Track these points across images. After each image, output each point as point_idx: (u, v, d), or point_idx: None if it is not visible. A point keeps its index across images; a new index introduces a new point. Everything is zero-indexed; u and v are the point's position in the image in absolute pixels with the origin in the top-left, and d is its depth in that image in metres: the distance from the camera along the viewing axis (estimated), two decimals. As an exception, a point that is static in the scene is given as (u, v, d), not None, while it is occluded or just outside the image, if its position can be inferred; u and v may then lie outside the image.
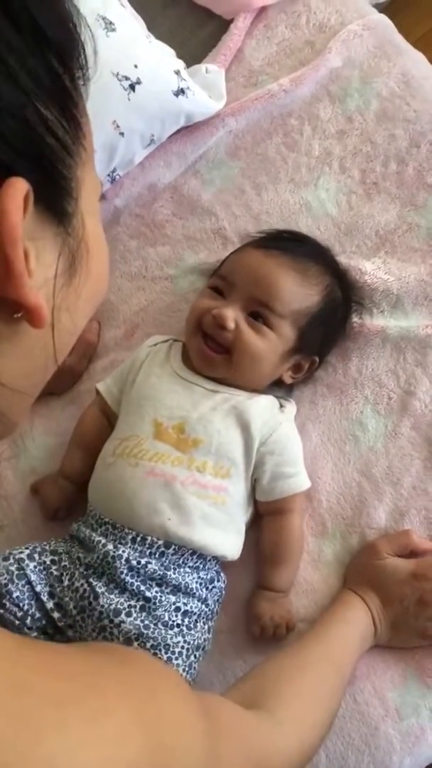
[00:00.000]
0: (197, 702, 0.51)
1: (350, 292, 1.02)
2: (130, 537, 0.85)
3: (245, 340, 0.90)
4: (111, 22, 1.01)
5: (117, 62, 1.01)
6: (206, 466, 0.87)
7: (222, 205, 1.13)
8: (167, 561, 0.85)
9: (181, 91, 1.07)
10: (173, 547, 0.85)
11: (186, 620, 0.84)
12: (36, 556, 0.87)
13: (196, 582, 0.86)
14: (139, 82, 1.02)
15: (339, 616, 0.89)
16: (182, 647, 0.82)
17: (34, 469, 1.03)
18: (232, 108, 1.15)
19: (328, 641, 0.86)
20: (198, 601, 0.86)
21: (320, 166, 1.13)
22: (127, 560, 0.83)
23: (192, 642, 0.83)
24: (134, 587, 0.83)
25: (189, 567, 0.86)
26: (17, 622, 0.83)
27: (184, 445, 0.88)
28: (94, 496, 0.91)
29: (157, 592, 0.83)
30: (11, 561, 0.86)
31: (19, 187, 0.34)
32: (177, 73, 1.08)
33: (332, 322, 0.99)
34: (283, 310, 0.91)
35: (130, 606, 0.82)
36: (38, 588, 0.85)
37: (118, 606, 0.82)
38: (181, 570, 0.85)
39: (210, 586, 0.88)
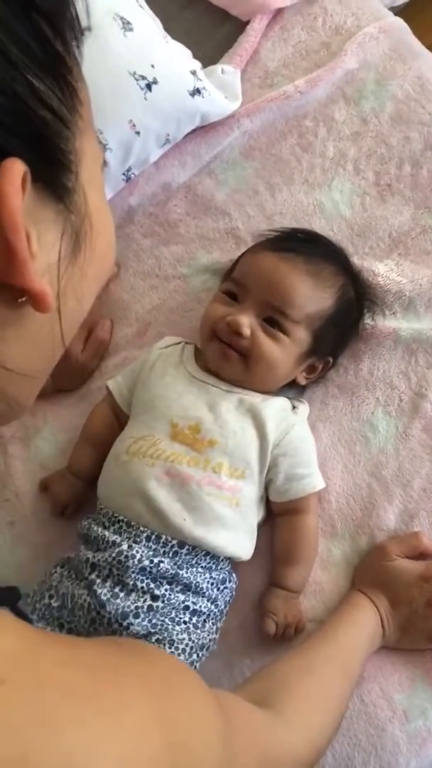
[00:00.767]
0: (213, 698, 0.52)
1: (363, 292, 1.02)
2: (144, 535, 0.85)
3: (261, 347, 0.90)
4: (128, 22, 1.01)
5: (134, 62, 1.01)
6: (222, 466, 0.88)
7: (236, 205, 1.13)
8: (180, 560, 0.85)
9: (197, 92, 1.07)
10: (187, 546, 0.85)
11: (194, 619, 0.84)
12: (38, 606, 0.87)
13: (208, 582, 0.86)
14: (155, 82, 1.02)
15: (347, 617, 0.89)
16: (186, 644, 0.82)
17: (44, 465, 1.03)
18: (247, 109, 1.15)
19: (337, 642, 0.86)
20: (208, 601, 0.86)
21: (334, 167, 1.14)
22: (140, 560, 0.83)
23: (197, 641, 0.84)
24: (144, 584, 0.83)
25: (202, 567, 0.86)
26: None
27: (200, 446, 0.88)
28: (106, 493, 0.91)
29: (166, 590, 0.83)
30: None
31: (16, 170, 0.32)
32: (193, 73, 1.08)
33: (346, 323, 0.99)
34: (297, 316, 0.91)
35: (137, 607, 0.82)
36: (48, 630, 0.85)
37: (125, 609, 0.82)
38: (193, 570, 0.85)
39: (221, 587, 0.88)
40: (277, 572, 0.93)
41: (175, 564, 0.85)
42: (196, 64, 1.11)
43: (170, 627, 0.82)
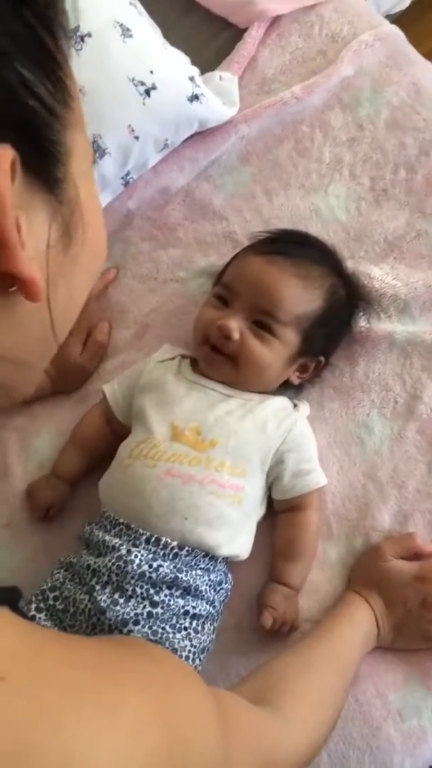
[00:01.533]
0: (212, 697, 0.52)
1: (354, 291, 1.03)
2: (144, 538, 0.85)
3: (250, 350, 0.92)
4: (128, 29, 1.02)
5: (133, 68, 1.02)
6: (224, 465, 0.88)
7: (233, 209, 1.15)
8: (180, 563, 0.85)
9: (195, 97, 1.08)
10: (187, 548, 0.86)
11: (194, 623, 0.85)
12: (42, 605, 0.87)
13: (206, 584, 0.87)
14: (154, 88, 1.04)
15: (343, 617, 0.90)
16: (189, 651, 0.83)
17: (42, 466, 1.04)
18: (245, 115, 1.17)
19: (332, 641, 0.86)
20: (206, 603, 0.86)
21: (331, 172, 1.15)
22: (139, 565, 0.83)
23: (198, 645, 0.84)
24: (143, 590, 0.83)
25: (200, 569, 0.87)
26: None
27: (201, 446, 0.89)
28: (109, 496, 0.92)
29: (165, 596, 0.84)
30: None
31: (5, 155, 0.33)
32: (191, 79, 1.09)
33: (336, 322, 1.00)
34: (286, 318, 0.92)
35: (137, 614, 0.82)
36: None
37: (125, 616, 0.82)
38: (193, 572, 0.86)
39: (218, 588, 0.89)
40: (278, 569, 0.94)
41: (174, 567, 0.85)
42: (195, 71, 1.12)
43: (171, 635, 0.82)
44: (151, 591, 0.83)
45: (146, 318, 1.11)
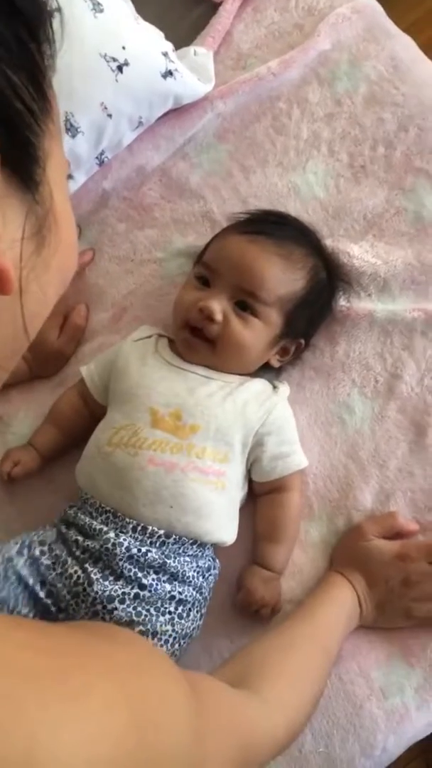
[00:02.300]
0: (184, 680, 0.51)
1: (335, 272, 1.02)
2: (131, 526, 0.85)
3: (233, 332, 0.91)
4: (98, 3, 1.00)
5: (104, 43, 1.00)
6: (205, 451, 0.88)
7: (210, 188, 1.13)
8: (168, 550, 0.85)
9: (169, 73, 1.06)
10: (174, 536, 0.86)
11: (179, 609, 0.84)
12: (24, 551, 0.87)
13: (194, 571, 0.86)
14: (126, 64, 1.01)
15: (325, 597, 0.90)
16: (170, 635, 0.83)
17: (18, 442, 1.03)
18: (221, 91, 1.15)
19: (314, 621, 0.86)
20: (193, 590, 0.86)
21: (308, 149, 1.13)
22: (128, 548, 0.83)
23: (180, 631, 0.84)
24: (131, 573, 0.83)
25: (188, 556, 0.87)
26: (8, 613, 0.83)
27: (182, 432, 0.88)
28: (90, 483, 0.90)
29: (153, 579, 0.84)
30: None
31: None
32: (165, 54, 1.07)
33: (318, 304, 0.99)
34: (269, 298, 0.91)
35: (124, 593, 0.82)
36: (30, 581, 0.85)
37: (112, 593, 0.82)
38: (181, 559, 0.86)
39: (207, 575, 0.89)
40: (260, 551, 0.94)
41: (162, 554, 0.85)
42: (168, 46, 1.10)
43: (154, 618, 0.82)
44: (140, 574, 0.83)
45: (124, 300, 1.09)
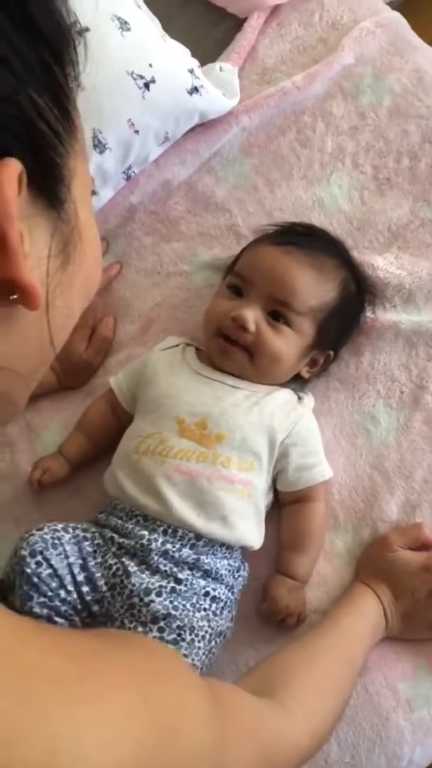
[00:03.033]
0: (205, 687, 0.52)
1: (364, 284, 1.02)
2: (161, 529, 0.87)
3: (266, 341, 0.91)
4: (126, 22, 1.02)
5: (132, 61, 1.02)
6: (231, 461, 0.89)
7: (236, 201, 1.14)
8: (199, 549, 0.87)
9: (195, 90, 1.08)
10: (203, 539, 0.87)
11: (213, 606, 0.85)
12: (70, 530, 0.89)
13: (226, 569, 0.87)
14: (153, 81, 1.03)
15: (350, 607, 0.90)
16: (206, 631, 0.83)
17: (47, 451, 1.04)
18: (246, 105, 1.16)
19: (340, 632, 0.86)
20: (226, 588, 0.87)
21: (333, 162, 1.14)
22: (163, 544, 0.85)
23: (216, 628, 0.85)
24: (167, 568, 0.84)
25: (220, 555, 0.88)
26: (50, 592, 0.84)
27: (207, 441, 0.89)
28: (119, 489, 0.91)
29: (188, 575, 0.85)
30: (46, 530, 0.87)
31: (13, 166, 0.36)
32: (191, 71, 1.09)
33: (347, 315, 1.00)
34: (302, 308, 0.92)
35: (161, 587, 0.83)
36: (72, 559, 0.86)
37: (149, 586, 0.83)
38: (213, 557, 0.87)
39: (236, 575, 0.90)
40: (284, 560, 0.94)
41: (195, 552, 0.86)
42: (194, 63, 1.11)
43: (191, 613, 0.83)
44: (175, 569, 0.84)
45: (151, 312, 1.11)
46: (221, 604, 0.86)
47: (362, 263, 1.05)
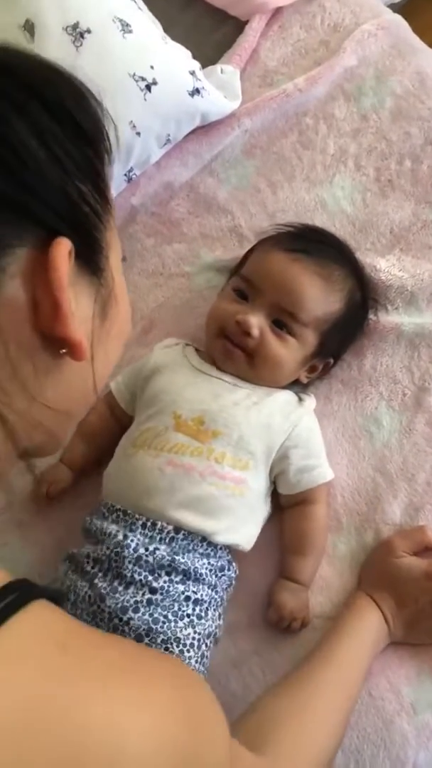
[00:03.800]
0: (224, 718, 0.54)
1: (369, 294, 1.02)
2: (140, 522, 0.86)
3: (268, 348, 0.91)
4: (128, 24, 1.02)
5: (133, 63, 1.02)
6: (225, 457, 0.88)
7: (238, 203, 1.14)
8: (176, 546, 0.85)
9: (196, 91, 1.08)
10: (183, 532, 0.86)
11: (197, 609, 0.84)
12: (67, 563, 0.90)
13: (206, 568, 0.86)
14: (155, 83, 1.03)
15: (348, 629, 0.88)
16: (193, 638, 0.82)
17: (48, 462, 1.04)
18: (248, 108, 1.16)
19: (337, 664, 0.84)
20: (208, 588, 0.86)
21: (335, 164, 1.14)
22: (136, 549, 0.84)
23: (203, 632, 0.83)
24: (141, 577, 0.83)
25: (199, 553, 0.86)
26: None
27: (203, 437, 0.89)
28: (111, 485, 0.92)
29: (165, 582, 0.83)
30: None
31: (65, 245, 0.44)
32: (192, 73, 1.09)
33: (352, 326, 1.00)
34: (307, 318, 0.92)
35: (136, 602, 0.82)
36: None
37: (125, 603, 0.82)
38: (190, 555, 0.85)
39: (219, 574, 0.88)
40: (287, 564, 0.93)
41: (171, 550, 0.85)
42: (196, 65, 1.11)
43: (173, 624, 0.82)
44: (150, 578, 0.83)
45: (153, 314, 1.11)
46: (204, 606, 0.85)
47: (364, 265, 1.05)
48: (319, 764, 0.75)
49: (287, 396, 0.95)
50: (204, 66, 1.15)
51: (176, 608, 0.83)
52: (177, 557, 0.84)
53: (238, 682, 0.90)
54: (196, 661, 0.82)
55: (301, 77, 1.17)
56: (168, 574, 0.84)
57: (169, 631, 0.81)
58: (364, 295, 1.01)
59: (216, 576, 0.87)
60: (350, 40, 1.18)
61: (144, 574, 0.83)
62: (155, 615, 0.82)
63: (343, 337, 0.99)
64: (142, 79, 1.02)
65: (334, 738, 0.79)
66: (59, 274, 0.44)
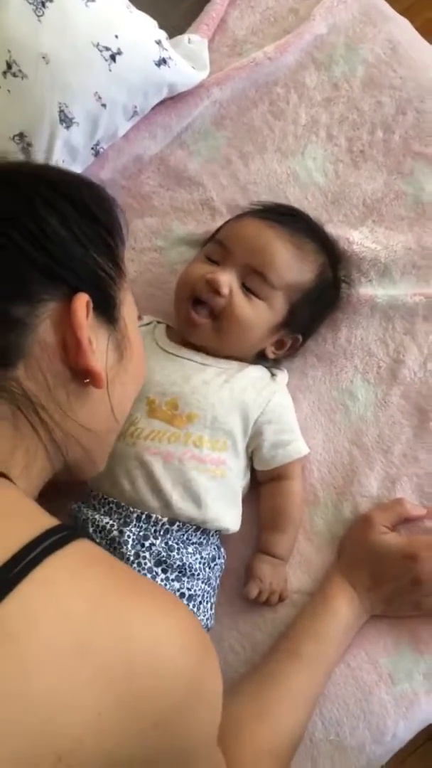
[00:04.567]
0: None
1: (340, 275, 1.02)
2: (135, 515, 0.85)
3: (236, 307, 0.90)
4: (91, -8, 0.99)
5: (97, 33, 0.99)
6: (202, 440, 0.87)
7: (209, 175, 1.12)
8: (172, 539, 0.85)
9: (162, 61, 1.05)
10: (177, 523, 0.85)
11: (190, 605, 0.84)
12: None
13: (199, 563, 0.86)
14: (119, 53, 1.00)
15: (318, 625, 0.88)
16: None
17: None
18: (217, 78, 1.14)
19: (300, 664, 0.86)
20: (202, 582, 0.86)
21: (307, 134, 1.12)
22: (133, 545, 0.83)
23: None
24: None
25: (193, 546, 0.86)
26: None
27: (178, 421, 0.88)
28: (95, 477, 0.90)
29: (161, 580, 0.83)
30: None
31: (84, 298, 0.61)
32: (158, 43, 1.06)
33: (322, 303, 0.99)
34: (277, 282, 0.91)
35: None
36: None
37: None
38: (184, 550, 0.85)
39: (212, 564, 0.88)
40: (264, 539, 0.93)
41: (166, 544, 0.84)
42: (162, 34, 1.09)
43: None
44: (148, 577, 0.82)
45: (124, 290, 1.09)
46: (198, 600, 0.85)
47: (337, 237, 1.04)
48: (281, 759, 0.79)
49: (259, 371, 0.95)
50: (171, 36, 1.12)
51: None
52: (172, 553, 0.84)
53: (219, 659, 0.89)
54: None
55: (271, 46, 1.14)
56: (164, 571, 0.83)
57: None
58: (335, 275, 1.00)
59: (209, 567, 0.87)
60: (320, 7, 1.16)
61: (143, 573, 0.83)
62: None
63: (313, 312, 0.98)
64: (106, 49, 0.99)
65: (295, 738, 0.82)
66: (79, 318, 0.59)
